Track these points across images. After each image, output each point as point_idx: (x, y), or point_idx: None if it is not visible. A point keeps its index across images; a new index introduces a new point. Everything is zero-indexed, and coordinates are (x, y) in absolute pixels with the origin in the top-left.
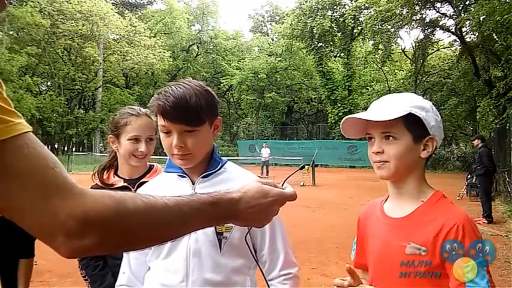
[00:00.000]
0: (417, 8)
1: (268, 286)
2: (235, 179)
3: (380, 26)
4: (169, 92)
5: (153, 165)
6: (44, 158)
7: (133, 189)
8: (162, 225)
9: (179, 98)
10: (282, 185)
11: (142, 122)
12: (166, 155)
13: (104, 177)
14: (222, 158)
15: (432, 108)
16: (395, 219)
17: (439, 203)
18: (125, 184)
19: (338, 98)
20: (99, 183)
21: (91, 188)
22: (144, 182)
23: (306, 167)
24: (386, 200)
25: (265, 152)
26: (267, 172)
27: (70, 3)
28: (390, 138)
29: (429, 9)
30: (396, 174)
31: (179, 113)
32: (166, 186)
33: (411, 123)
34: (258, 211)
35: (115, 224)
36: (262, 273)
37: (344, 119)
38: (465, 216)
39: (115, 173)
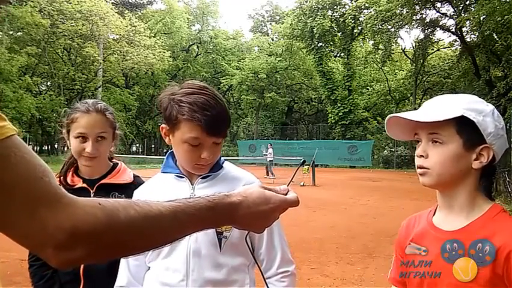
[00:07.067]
0: (417, 7)
1: (267, 285)
2: (234, 179)
3: (380, 26)
4: (207, 104)
5: (117, 163)
6: (33, 167)
7: (92, 191)
8: (156, 234)
9: (218, 111)
10: (288, 185)
11: (89, 119)
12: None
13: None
14: (220, 157)
15: (493, 113)
16: (446, 232)
17: (499, 216)
18: (84, 185)
19: (338, 98)
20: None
21: None
22: (106, 184)
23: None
24: (435, 211)
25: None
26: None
27: (70, 3)
28: (437, 141)
29: (430, 9)
30: (441, 184)
31: (219, 127)
32: (164, 187)
33: (464, 127)
34: (257, 217)
35: (105, 236)
36: (261, 271)
37: (387, 118)
38: None
39: (75, 172)
